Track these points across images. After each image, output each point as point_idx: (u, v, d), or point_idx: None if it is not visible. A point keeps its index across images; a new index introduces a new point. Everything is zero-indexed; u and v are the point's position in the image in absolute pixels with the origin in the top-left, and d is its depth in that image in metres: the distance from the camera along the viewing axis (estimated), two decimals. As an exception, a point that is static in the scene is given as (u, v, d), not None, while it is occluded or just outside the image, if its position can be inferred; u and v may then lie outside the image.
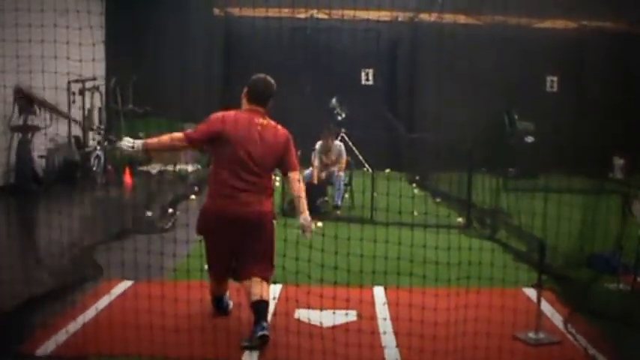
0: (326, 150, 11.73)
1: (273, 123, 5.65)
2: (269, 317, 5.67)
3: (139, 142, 5.51)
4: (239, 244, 5.51)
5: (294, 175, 5.68)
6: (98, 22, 7.02)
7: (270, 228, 5.59)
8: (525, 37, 16.06)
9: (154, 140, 5.67)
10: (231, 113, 5.62)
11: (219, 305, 6.01)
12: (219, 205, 5.51)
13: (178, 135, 5.58)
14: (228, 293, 6.04)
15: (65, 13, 6.52)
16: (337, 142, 12.25)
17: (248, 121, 5.52)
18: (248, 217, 5.43)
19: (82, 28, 6.44)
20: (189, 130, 5.64)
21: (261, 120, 5.57)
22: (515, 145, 15.82)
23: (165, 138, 5.59)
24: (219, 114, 5.62)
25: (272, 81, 5.68)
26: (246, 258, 5.55)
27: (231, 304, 6.07)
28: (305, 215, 5.57)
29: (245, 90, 5.68)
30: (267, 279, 5.59)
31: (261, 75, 5.72)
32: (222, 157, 5.50)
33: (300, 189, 5.63)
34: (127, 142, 5.48)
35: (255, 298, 5.39)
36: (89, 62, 6.77)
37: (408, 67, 17.70)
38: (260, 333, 5.24)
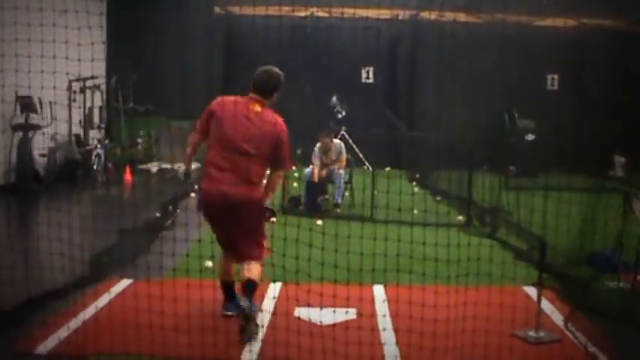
0: (325, 150, 11.72)
1: (271, 113, 5.66)
2: (268, 316, 5.76)
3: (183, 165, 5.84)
4: (224, 224, 5.62)
5: (279, 173, 5.83)
6: (98, 22, 7.01)
7: (252, 211, 5.60)
8: (525, 35, 16.04)
9: (188, 153, 5.95)
10: (232, 97, 5.71)
11: (229, 293, 6.02)
12: (205, 186, 5.62)
13: (193, 135, 5.83)
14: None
15: (64, 13, 6.51)
16: (336, 141, 12.23)
17: (243, 106, 5.58)
18: (226, 197, 5.48)
19: (82, 28, 6.43)
20: (197, 125, 5.78)
21: (257, 107, 5.59)
22: (516, 143, 15.81)
23: (190, 143, 5.91)
24: (220, 97, 5.73)
25: (277, 72, 5.70)
26: (231, 238, 5.65)
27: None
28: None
29: (252, 82, 5.74)
30: (257, 258, 5.63)
31: (267, 67, 5.75)
32: (213, 137, 5.61)
33: (275, 184, 5.91)
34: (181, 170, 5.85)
35: (244, 279, 5.53)
36: (89, 61, 6.76)
37: (408, 65, 17.68)
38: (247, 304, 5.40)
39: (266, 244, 5.79)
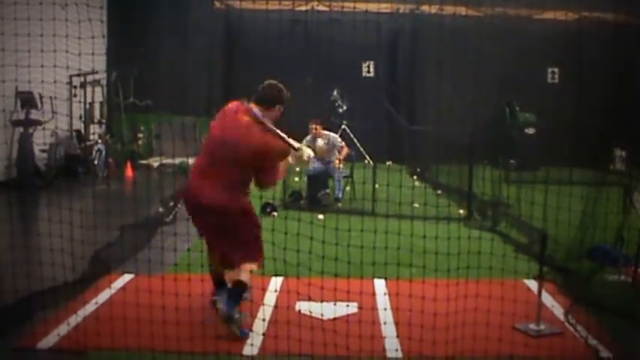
0: (315, 139, 11.69)
1: (255, 124, 5.48)
2: (270, 309, 5.78)
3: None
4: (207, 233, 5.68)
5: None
6: (98, 16, 7.00)
7: (235, 220, 5.52)
8: (526, 28, 16.01)
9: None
10: (230, 105, 5.68)
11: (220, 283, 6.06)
12: (190, 190, 5.65)
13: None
14: None
15: (65, 7, 6.50)
16: (325, 132, 12.09)
17: (233, 111, 5.56)
18: (206, 206, 5.46)
19: (82, 22, 6.42)
20: None
21: (244, 116, 5.48)
22: (516, 136, 15.81)
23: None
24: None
25: (276, 86, 5.62)
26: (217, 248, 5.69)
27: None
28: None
29: None
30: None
31: (270, 81, 5.71)
32: (206, 143, 5.66)
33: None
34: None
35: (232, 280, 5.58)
36: (89, 56, 6.75)
37: (409, 58, 17.66)
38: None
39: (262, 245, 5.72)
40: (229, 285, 5.60)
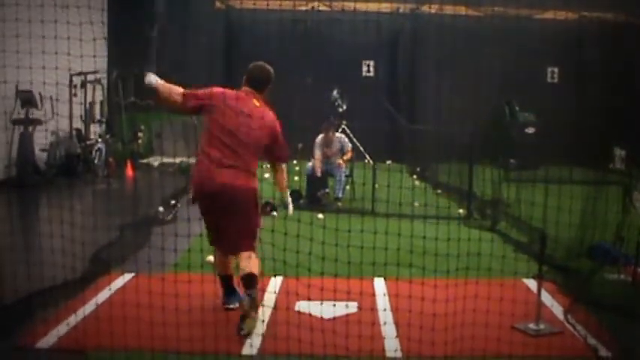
0: (327, 143, 11.73)
1: (267, 107, 5.87)
2: (269, 310, 5.77)
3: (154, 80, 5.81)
4: (221, 215, 5.64)
5: (282, 166, 6.11)
6: (99, 18, 6.99)
7: (251, 200, 5.70)
8: (526, 28, 16.01)
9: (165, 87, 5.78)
10: (232, 91, 5.83)
11: (228, 286, 6.12)
12: (200, 178, 5.65)
13: (178, 90, 5.73)
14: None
15: (66, 9, 6.51)
16: (338, 135, 12.23)
17: (245, 98, 5.76)
18: (227, 188, 5.54)
19: (83, 24, 6.42)
20: (189, 91, 5.72)
21: (254, 100, 5.78)
22: (516, 136, 15.81)
23: (171, 90, 5.76)
24: (221, 88, 5.84)
25: (269, 68, 5.91)
26: (227, 229, 5.66)
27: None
28: (291, 207, 6.24)
29: (245, 77, 5.90)
30: (251, 249, 5.68)
31: (259, 62, 5.95)
32: (213, 128, 5.65)
33: (283, 181, 6.13)
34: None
35: (244, 273, 5.54)
36: (90, 57, 6.75)
37: (409, 58, 17.66)
38: (247, 296, 5.45)
39: (259, 233, 5.83)
40: (240, 277, 5.61)
